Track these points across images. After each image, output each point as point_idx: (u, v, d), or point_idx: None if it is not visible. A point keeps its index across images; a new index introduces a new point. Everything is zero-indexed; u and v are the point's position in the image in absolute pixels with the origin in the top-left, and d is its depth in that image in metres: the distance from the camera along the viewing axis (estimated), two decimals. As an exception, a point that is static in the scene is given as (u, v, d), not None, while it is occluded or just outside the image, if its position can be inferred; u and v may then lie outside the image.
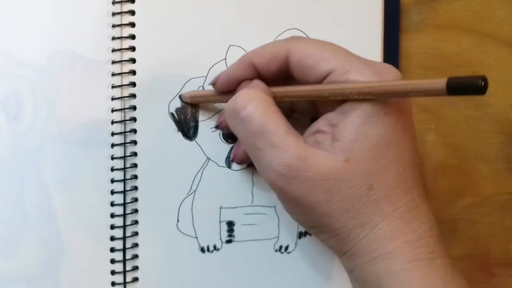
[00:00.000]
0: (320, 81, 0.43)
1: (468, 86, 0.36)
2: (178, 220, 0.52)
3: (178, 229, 0.52)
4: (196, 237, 0.52)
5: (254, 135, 0.43)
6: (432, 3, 0.56)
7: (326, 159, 0.42)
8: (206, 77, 0.52)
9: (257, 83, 0.46)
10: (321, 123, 0.44)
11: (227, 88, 0.48)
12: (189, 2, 0.51)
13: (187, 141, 0.51)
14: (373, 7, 0.54)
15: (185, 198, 0.52)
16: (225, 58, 0.52)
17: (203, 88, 0.51)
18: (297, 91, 0.44)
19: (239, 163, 0.51)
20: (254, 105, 0.43)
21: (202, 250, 0.52)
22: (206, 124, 0.52)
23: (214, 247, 0.52)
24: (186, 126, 0.51)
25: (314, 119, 0.46)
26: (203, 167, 0.52)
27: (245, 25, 0.52)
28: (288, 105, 0.49)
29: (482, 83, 0.36)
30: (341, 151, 0.42)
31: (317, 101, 0.46)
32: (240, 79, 0.47)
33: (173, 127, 0.51)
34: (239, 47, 0.52)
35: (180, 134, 0.51)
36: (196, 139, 0.52)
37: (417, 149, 0.44)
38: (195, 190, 0.52)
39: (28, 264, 0.50)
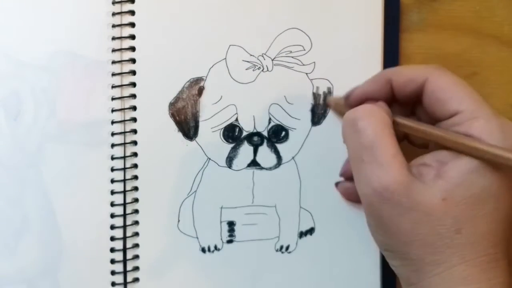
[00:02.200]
0: (447, 117, 0.44)
1: None
2: (178, 220, 0.52)
3: (179, 229, 0.52)
4: (197, 237, 0.52)
5: (363, 148, 0.44)
6: (432, 3, 0.56)
7: (423, 191, 0.42)
8: (206, 77, 0.52)
9: (382, 104, 0.47)
10: (429, 158, 0.45)
11: (359, 102, 0.48)
12: (189, 2, 0.51)
13: (187, 141, 0.51)
14: (373, 7, 0.54)
15: (185, 198, 0.52)
16: (226, 58, 0.52)
17: (203, 87, 0.51)
18: (418, 129, 0.46)
19: (346, 178, 0.52)
20: (373, 120, 0.44)
21: (203, 250, 0.52)
22: (206, 124, 0.51)
23: (215, 247, 0.52)
24: (187, 126, 0.51)
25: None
26: (203, 167, 0.52)
27: (245, 25, 0.52)
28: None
29: None
30: (441, 189, 0.42)
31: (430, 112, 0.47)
32: (374, 95, 0.47)
33: (174, 127, 0.51)
34: (239, 47, 0.52)
35: (180, 134, 0.51)
36: (196, 139, 0.52)
37: None
38: (195, 190, 0.52)
39: (28, 264, 0.50)
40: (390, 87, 0.47)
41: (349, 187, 0.51)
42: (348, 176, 0.51)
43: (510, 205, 0.43)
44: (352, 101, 0.48)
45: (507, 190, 0.43)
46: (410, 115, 0.49)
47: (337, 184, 0.52)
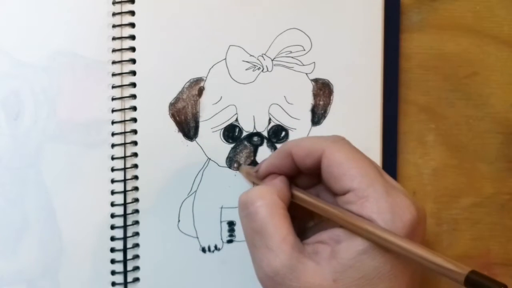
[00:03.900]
0: (341, 194, 0.44)
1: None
2: (179, 220, 0.52)
3: (179, 229, 0.52)
4: (197, 237, 0.52)
5: (254, 232, 0.44)
6: (432, 3, 0.56)
7: (314, 274, 0.42)
8: (206, 77, 0.52)
9: (278, 181, 0.46)
10: (325, 236, 0.44)
11: (267, 174, 0.48)
12: (189, 2, 0.51)
13: (187, 142, 0.51)
14: (373, 7, 0.54)
15: (186, 198, 0.52)
16: (225, 58, 0.52)
17: (203, 87, 0.51)
18: (314, 205, 0.45)
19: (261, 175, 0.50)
20: (262, 204, 0.44)
21: (203, 250, 0.52)
22: (206, 124, 0.52)
23: (215, 247, 0.52)
24: (187, 126, 0.51)
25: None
26: (203, 167, 0.52)
27: (245, 25, 0.52)
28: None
29: None
30: (332, 270, 0.42)
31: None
32: (279, 167, 0.47)
33: (174, 127, 0.51)
34: (239, 47, 0.52)
35: (180, 134, 0.51)
36: (196, 139, 0.52)
37: (416, 284, 0.44)
38: (195, 190, 0.52)
39: (28, 264, 0.50)
40: (292, 160, 0.46)
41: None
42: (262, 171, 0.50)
43: (407, 282, 0.43)
44: (260, 175, 0.48)
45: (402, 269, 0.42)
46: (317, 185, 0.48)
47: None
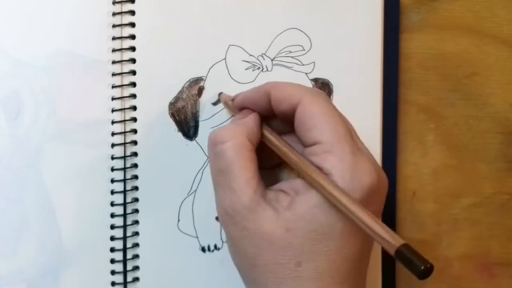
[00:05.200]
0: (309, 145, 0.44)
1: (412, 264, 0.38)
2: (178, 220, 0.52)
3: (179, 228, 0.52)
4: (197, 237, 0.52)
5: (219, 171, 0.44)
6: (432, 3, 0.56)
7: (270, 220, 0.42)
8: (206, 77, 0.52)
9: (250, 121, 0.46)
10: (288, 185, 0.44)
11: (242, 107, 0.48)
12: (189, 2, 0.51)
13: (187, 141, 0.51)
14: (373, 7, 0.54)
15: (185, 198, 0.52)
16: (225, 58, 0.52)
17: (203, 87, 0.51)
18: (279, 149, 0.45)
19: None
20: (231, 144, 0.44)
21: (203, 249, 0.52)
22: (206, 124, 0.52)
23: (215, 246, 0.52)
24: (187, 126, 0.51)
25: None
26: (203, 167, 0.52)
27: (245, 25, 0.52)
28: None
29: (423, 269, 0.37)
30: (287, 220, 0.42)
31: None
32: (254, 103, 0.47)
33: (174, 127, 0.51)
34: (239, 47, 0.52)
35: (180, 134, 0.51)
36: (196, 138, 0.52)
37: (367, 249, 0.44)
38: (195, 190, 0.52)
39: (28, 264, 0.50)
40: (269, 99, 0.46)
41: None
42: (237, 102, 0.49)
43: (358, 244, 0.43)
44: (235, 104, 0.49)
45: (353, 231, 0.42)
46: (289, 133, 0.47)
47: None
